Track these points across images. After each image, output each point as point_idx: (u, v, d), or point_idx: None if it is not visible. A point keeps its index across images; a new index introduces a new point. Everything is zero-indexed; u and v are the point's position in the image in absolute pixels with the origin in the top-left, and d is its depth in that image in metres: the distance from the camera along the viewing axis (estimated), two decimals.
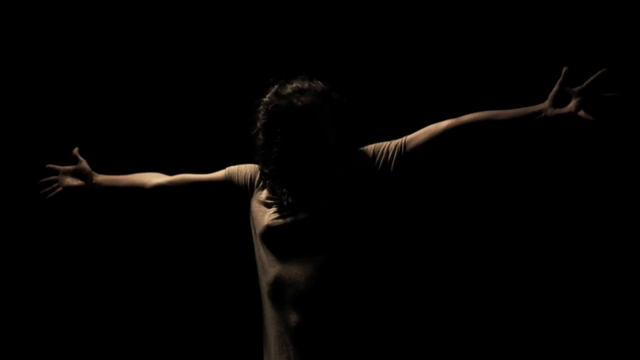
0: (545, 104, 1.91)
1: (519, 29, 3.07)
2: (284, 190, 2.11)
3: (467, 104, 2.99)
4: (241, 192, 2.22)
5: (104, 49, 3.39)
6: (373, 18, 3.23)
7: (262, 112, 2.12)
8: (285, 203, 2.09)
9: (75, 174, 2.45)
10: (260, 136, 2.12)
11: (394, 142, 2.08)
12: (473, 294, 3.12)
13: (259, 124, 2.13)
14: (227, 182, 2.25)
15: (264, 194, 2.16)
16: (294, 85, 2.10)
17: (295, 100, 2.06)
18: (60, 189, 2.44)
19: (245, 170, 2.24)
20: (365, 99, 3.05)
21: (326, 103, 2.10)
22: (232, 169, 2.27)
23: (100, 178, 2.44)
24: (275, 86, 2.13)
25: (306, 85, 2.10)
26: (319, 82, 2.13)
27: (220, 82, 3.34)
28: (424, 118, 2.99)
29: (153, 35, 3.38)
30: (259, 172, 2.19)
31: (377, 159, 2.07)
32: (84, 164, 2.46)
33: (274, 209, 2.10)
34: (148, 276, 3.39)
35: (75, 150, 2.48)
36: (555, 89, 1.90)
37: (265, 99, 2.13)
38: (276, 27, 3.27)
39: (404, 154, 2.05)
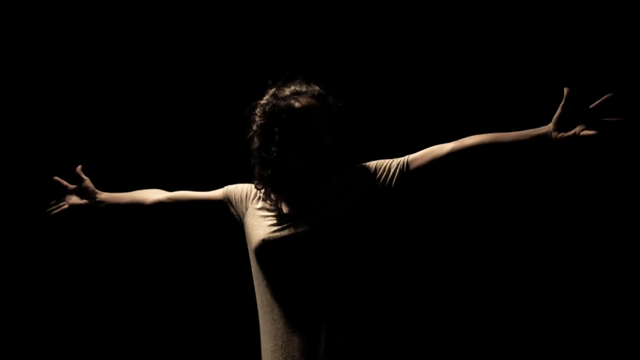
0: (550, 126, 1.88)
1: (522, 37, 3.08)
2: (281, 197, 2.10)
3: (464, 112, 3.04)
4: (238, 210, 2.21)
5: (100, 62, 3.43)
6: (371, 22, 3.25)
7: (259, 114, 2.12)
8: (282, 212, 2.08)
9: (80, 192, 2.48)
10: (257, 138, 2.11)
11: (396, 161, 2.07)
12: (474, 309, 3.12)
13: (255, 127, 2.12)
14: (226, 200, 2.24)
15: (259, 205, 2.15)
16: (291, 88, 2.11)
17: (293, 101, 2.07)
18: (65, 206, 2.47)
19: (242, 187, 2.24)
20: (362, 105, 3.08)
21: (323, 106, 2.10)
22: (230, 187, 2.27)
23: (104, 196, 2.46)
24: (273, 89, 2.13)
25: (304, 88, 2.11)
26: (316, 86, 2.13)
27: (217, 90, 3.36)
28: (420, 124, 3.01)
29: (151, 44, 3.41)
30: (257, 189, 2.18)
31: (379, 175, 2.06)
32: (87, 182, 2.48)
33: (270, 221, 2.09)
34: (144, 290, 3.42)
35: (79, 168, 2.50)
36: (558, 111, 1.87)
37: (262, 101, 2.13)
38: (272, 33, 3.29)
39: (406, 173, 2.04)
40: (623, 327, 2.97)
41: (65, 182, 2.49)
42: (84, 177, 2.48)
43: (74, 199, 2.47)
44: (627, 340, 2.96)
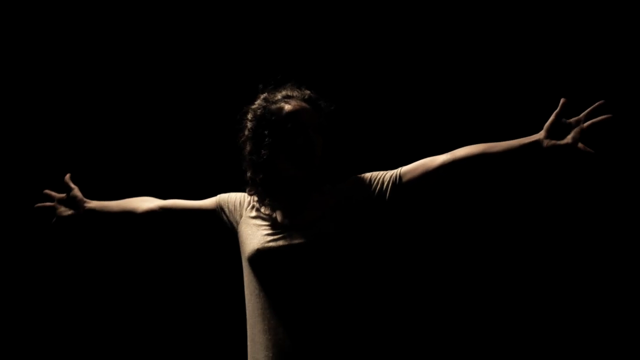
0: (541, 134, 1.89)
1: (513, 44, 3.10)
2: (275, 205, 2.09)
3: (456, 119, 3.03)
4: (231, 218, 2.19)
5: (90, 69, 3.41)
6: (363, 27, 3.25)
7: (250, 118, 2.12)
8: (277, 222, 2.07)
9: (68, 202, 2.43)
10: (248, 142, 2.11)
11: (389, 173, 2.07)
12: (469, 318, 3.13)
13: (246, 131, 2.13)
14: (219, 209, 2.22)
15: (254, 214, 2.13)
16: (282, 93, 2.12)
17: (283, 104, 2.08)
18: (53, 219, 2.43)
19: (235, 195, 2.23)
20: (353, 110, 3.09)
21: (314, 110, 2.10)
22: (223, 196, 2.25)
23: (93, 205, 2.42)
24: (264, 93, 2.14)
25: (295, 92, 2.12)
26: (307, 90, 2.14)
27: (208, 95, 3.35)
28: (412, 129, 2.99)
29: (143, 51, 3.39)
30: (249, 195, 2.17)
31: (373, 187, 2.06)
32: (76, 191, 2.43)
33: (265, 231, 2.07)
34: (129, 294, 3.42)
35: (67, 177, 2.46)
36: (551, 119, 1.88)
37: (254, 106, 2.13)
38: (263, 38, 3.29)
39: (399, 185, 2.03)
40: (615, 328, 3.00)
41: (53, 193, 2.45)
42: (73, 185, 2.44)
43: (62, 210, 2.42)
44: (625, 340, 2.98)
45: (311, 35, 3.26)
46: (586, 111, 1.84)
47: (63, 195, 2.44)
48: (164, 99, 3.39)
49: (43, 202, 2.44)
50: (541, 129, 1.89)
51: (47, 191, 2.46)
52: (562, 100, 1.87)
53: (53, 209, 2.43)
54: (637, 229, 2.99)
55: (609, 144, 1.82)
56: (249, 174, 2.12)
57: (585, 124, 1.82)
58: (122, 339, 3.39)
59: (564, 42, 3.02)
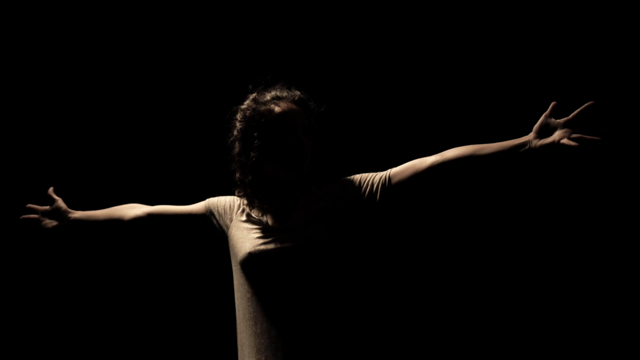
0: (530, 135, 1.89)
1: (505, 45, 3.12)
2: (265, 208, 2.08)
3: (449, 120, 3.03)
4: (221, 222, 2.18)
5: (74, 73, 3.40)
6: (355, 27, 3.27)
7: (239, 119, 2.11)
8: (268, 225, 2.06)
9: (52, 214, 2.41)
10: (237, 143, 2.10)
11: (378, 175, 2.06)
12: (462, 321, 3.13)
13: (235, 132, 2.12)
14: (208, 213, 2.21)
15: (244, 217, 2.13)
16: (272, 93, 2.11)
17: (273, 106, 2.07)
18: (39, 231, 2.40)
19: (225, 199, 2.22)
20: (344, 111, 3.09)
21: (304, 111, 2.10)
22: (212, 200, 2.24)
23: (78, 215, 2.40)
24: (254, 94, 2.13)
25: (285, 93, 2.11)
26: (297, 91, 2.13)
27: (198, 96, 3.35)
28: (405, 130, 2.98)
29: (130, 52, 3.39)
30: (239, 198, 2.16)
31: (364, 189, 2.05)
32: (59, 202, 2.42)
33: (256, 234, 2.07)
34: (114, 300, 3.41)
35: (50, 189, 2.45)
36: (540, 120, 1.89)
37: (243, 106, 2.12)
38: (253, 39, 3.30)
39: (388, 187, 2.03)
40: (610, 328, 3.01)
41: (36, 206, 2.43)
42: (56, 197, 2.42)
43: (46, 222, 2.40)
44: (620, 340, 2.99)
45: (302, 36, 3.27)
46: (575, 112, 1.84)
47: (47, 207, 2.42)
48: (151, 100, 3.37)
49: (27, 215, 2.41)
50: (531, 131, 1.89)
51: (30, 205, 2.44)
52: (552, 104, 1.88)
53: (37, 221, 2.40)
54: (627, 227, 3.00)
55: (597, 144, 1.82)
56: (237, 175, 2.11)
57: (571, 115, 1.83)
58: (112, 343, 3.37)
59: (556, 44, 3.04)
